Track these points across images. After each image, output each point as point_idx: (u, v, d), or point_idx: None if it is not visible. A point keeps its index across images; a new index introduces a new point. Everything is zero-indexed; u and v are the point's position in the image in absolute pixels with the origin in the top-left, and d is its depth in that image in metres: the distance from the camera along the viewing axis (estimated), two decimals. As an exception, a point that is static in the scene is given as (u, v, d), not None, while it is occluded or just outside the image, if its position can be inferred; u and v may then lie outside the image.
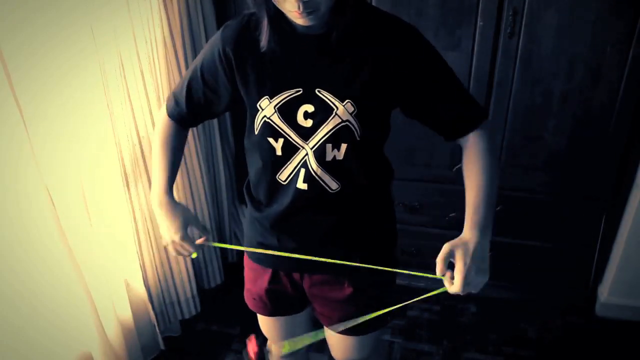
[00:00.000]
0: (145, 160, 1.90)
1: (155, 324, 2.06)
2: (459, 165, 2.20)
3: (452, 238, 1.01)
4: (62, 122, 1.55)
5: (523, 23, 1.85)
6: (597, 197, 2.09)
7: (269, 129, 1.11)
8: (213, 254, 2.36)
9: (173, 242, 1.20)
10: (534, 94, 1.96)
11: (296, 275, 1.27)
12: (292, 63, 1.08)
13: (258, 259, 1.30)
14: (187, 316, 2.24)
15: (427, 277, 1.06)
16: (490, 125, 1.16)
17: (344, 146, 1.09)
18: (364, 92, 1.06)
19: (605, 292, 2.25)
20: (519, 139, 2.05)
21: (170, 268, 2.12)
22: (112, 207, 1.82)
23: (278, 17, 1.04)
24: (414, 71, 1.06)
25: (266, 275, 1.29)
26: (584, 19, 1.80)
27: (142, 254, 1.98)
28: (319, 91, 1.06)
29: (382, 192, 1.25)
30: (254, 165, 1.20)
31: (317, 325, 1.38)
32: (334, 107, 1.06)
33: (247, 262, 1.36)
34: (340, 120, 1.07)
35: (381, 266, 1.15)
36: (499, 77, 1.96)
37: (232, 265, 2.52)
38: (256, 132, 1.13)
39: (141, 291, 2.00)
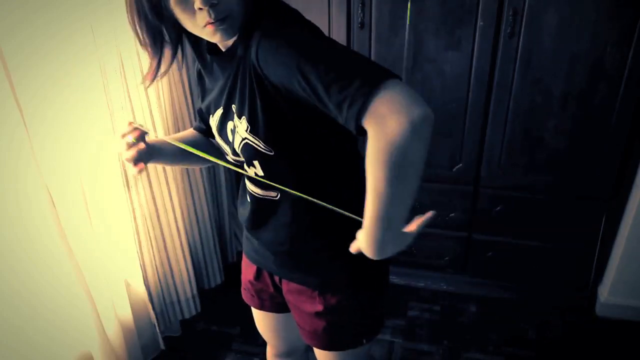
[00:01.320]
0: (145, 160, 1.90)
1: (156, 324, 2.06)
2: (459, 165, 2.21)
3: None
4: (62, 122, 1.55)
5: (523, 23, 1.86)
6: (597, 197, 2.09)
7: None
8: (213, 254, 2.36)
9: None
10: (534, 94, 1.96)
11: (276, 278, 1.28)
12: (218, 80, 1.07)
13: (246, 252, 1.33)
14: (187, 316, 2.24)
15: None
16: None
17: (256, 163, 1.03)
18: (250, 107, 0.98)
19: (605, 292, 2.25)
20: (519, 139, 2.06)
21: (171, 268, 2.12)
22: (112, 207, 1.82)
23: (194, 39, 1.04)
24: (272, 71, 0.91)
25: (252, 268, 1.32)
26: (584, 19, 1.80)
27: (142, 254, 1.98)
28: (233, 107, 1.03)
29: (349, 200, 1.04)
30: None
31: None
32: (236, 124, 1.03)
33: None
34: (241, 138, 1.02)
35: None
36: (499, 77, 1.97)
37: (232, 265, 2.52)
38: None
39: (141, 291, 2.00)
